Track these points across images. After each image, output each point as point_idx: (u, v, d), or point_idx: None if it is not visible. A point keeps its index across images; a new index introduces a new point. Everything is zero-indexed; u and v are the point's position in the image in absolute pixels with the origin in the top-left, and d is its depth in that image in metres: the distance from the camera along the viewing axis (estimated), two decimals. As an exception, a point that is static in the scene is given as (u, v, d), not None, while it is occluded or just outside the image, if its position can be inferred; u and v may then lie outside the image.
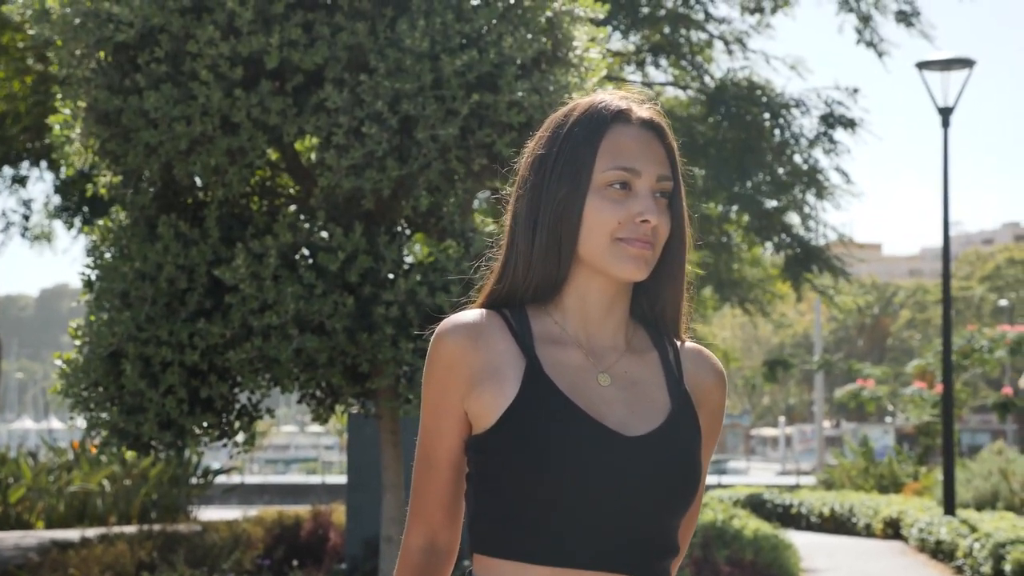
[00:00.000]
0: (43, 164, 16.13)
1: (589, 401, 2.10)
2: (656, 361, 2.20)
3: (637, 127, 2.16)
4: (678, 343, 2.24)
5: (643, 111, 2.18)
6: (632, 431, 2.10)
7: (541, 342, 2.15)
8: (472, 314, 2.17)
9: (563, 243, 2.13)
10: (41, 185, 39.60)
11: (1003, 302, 58.42)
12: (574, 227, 2.12)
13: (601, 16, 7.17)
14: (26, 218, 17.52)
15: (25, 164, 16.52)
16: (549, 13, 7.03)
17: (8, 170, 16.71)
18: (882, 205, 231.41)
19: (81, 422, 7.62)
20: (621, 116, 2.16)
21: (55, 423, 61.30)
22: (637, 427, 2.11)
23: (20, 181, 16.75)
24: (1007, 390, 25.35)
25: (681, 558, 2.29)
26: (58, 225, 31.47)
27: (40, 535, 16.86)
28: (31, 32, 7.33)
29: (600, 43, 7.41)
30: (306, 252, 7.16)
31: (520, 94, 6.77)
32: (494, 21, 6.85)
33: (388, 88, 6.72)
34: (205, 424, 7.38)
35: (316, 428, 66.31)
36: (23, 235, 17.49)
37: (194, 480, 19.56)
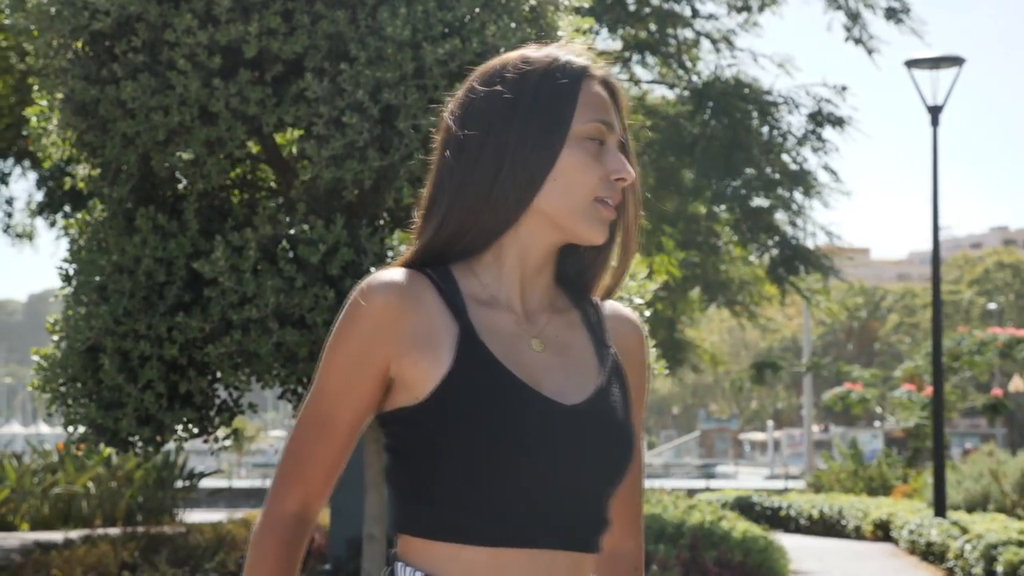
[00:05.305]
0: (26, 163, 16.03)
1: (526, 369, 1.98)
2: (579, 322, 2.09)
3: (600, 83, 2.07)
4: (595, 301, 2.14)
5: (601, 70, 2.09)
6: (569, 399, 1.99)
7: (472, 305, 2.01)
8: (399, 273, 2.00)
9: (525, 193, 1.99)
10: (23, 183, 39.64)
11: (992, 305, 58.54)
12: (541, 178, 2.00)
13: (586, 5, 7.07)
14: (8, 216, 17.42)
15: (8, 162, 16.41)
16: (533, 2, 6.93)
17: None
18: (870, 209, 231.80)
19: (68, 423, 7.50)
20: (588, 71, 2.06)
21: (43, 428, 61.11)
22: (573, 395, 1.99)
23: (2, 179, 16.63)
24: (997, 391, 25.33)
25: (640, 538, 2.19)
26: (41, 225, 31.26)
27: (23, 536, 16.76)
28: (7, 22, 7.22)
29: (585, 33, 7.31)
30: (286, 245, 7.05)
31: (503, 84, 6.66)
32: (477, 9, 6.75)
33: (369, 77, 6.62)
34: (184, 420, 7.26)
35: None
36: (4, 232, 17.39)
37: (179, 483, 19.47)
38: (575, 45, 2.11)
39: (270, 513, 2.03)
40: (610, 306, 2.16)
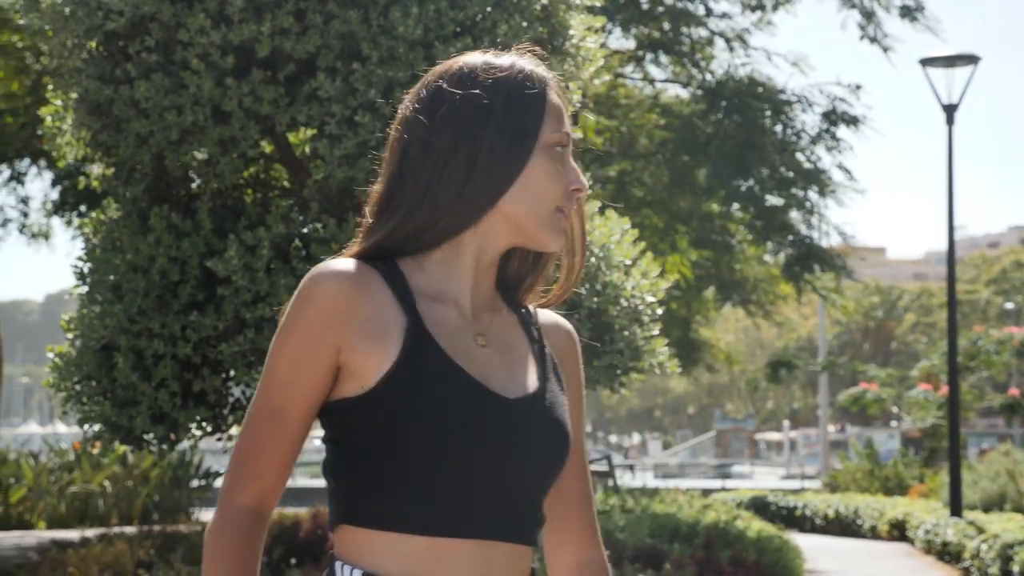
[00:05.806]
0: (41, 162, 16.10)
1: (472, 363, 2.00)
2: (517, 323, 2.13)
3: (556, 93, 2.08)
4: (530, 307, 2.17)
5: (555, 80, 2.11)
6: (512, 395, 2.01)
7: (420, 299, 2.02)
8: (350, 263, 2.00)
9: (494, 195, 2.01)
10: (39, 183, 39.80)
11: (1009, 305, 58.35)
12: (510, 181, 2.02)
13: (598, 4, 7.08)
14: (24, 215, 17.50)
15: (24, 162, 16.49)
16: (544, 1, 6.94)
17: (5, 167, 16.67)
18: (886, 209, 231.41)
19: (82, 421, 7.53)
20: (549, 81, 2.08)
21: (60, 427, 61.22)
22: (516, 391, 2.02)
23: (18, 179, 16.71)
24: (1014, 391, 25.25)
25: (600, 546, 2.20)
26: (57, 224, 31.31)
27: (40, 535, 16.81)
28: (22, 22, 7.26)
29: (597, 32, 7.31)
30: (299, 244, 7.08)
31: (515, 82, 6.68)
32: (488, 8, 6.76)
33: (381, 76, 6.64)
34: (198, 418, 7.29)
35: (322, 431, 66.03)
36: (20, 231, 17.47)
37: (195, 482, 19.52)
38: (526, 53, 2.12)
39: (226, 509, 2.00)
40: (544, 313, 2.19)
